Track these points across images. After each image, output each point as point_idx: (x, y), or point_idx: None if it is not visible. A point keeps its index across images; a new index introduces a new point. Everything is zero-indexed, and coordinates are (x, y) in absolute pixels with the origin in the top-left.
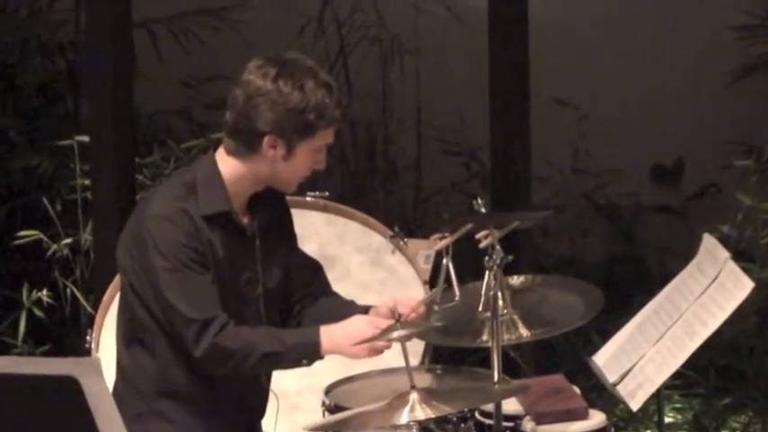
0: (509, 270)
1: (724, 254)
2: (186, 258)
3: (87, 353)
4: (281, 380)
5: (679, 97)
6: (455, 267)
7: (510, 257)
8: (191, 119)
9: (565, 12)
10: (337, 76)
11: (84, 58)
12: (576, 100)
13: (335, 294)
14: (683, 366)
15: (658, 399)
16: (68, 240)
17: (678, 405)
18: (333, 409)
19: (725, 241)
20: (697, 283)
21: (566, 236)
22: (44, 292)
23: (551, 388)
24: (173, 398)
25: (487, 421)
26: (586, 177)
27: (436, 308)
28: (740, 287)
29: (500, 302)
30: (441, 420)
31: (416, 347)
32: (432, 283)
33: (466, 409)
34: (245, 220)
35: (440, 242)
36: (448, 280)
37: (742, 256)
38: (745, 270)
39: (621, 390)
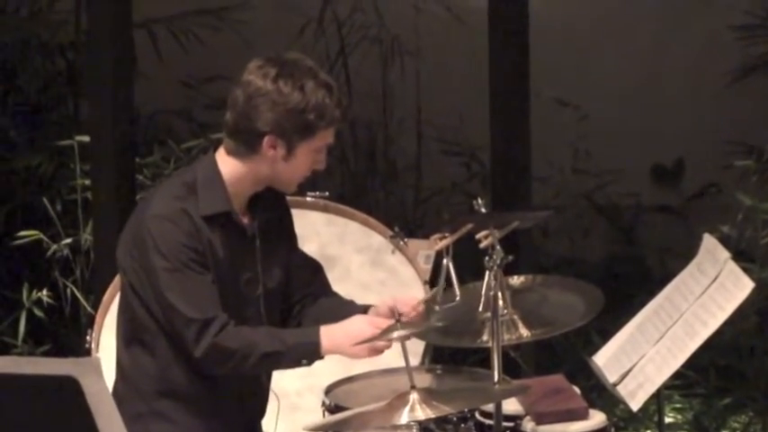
0: (509, 270)
1: (724, 254)
2: (186, 258)
3: (87, 353)
4: (281, 380)
5: (679, 97)
6: (455, 267)
7: (510, 257)
8: (191, 119)
9: (565, 12)
10: (337, 77)
11: (85, 59)
12: (576, 100)
13: (335, 294)
14: (683, 366)
15: (658, 399)
16: (68, 240)
17: (678, 405)
18: (333, 409)
19: (725, 241)
20: (697, 283)
21: (566, 236)
22: (44, 292)
23: (551, 388)
24: (173, 398)
25: (488, 421)
26: (586, 177)
27: (437, 308)
28: (740, 287)
29: (500, 302)
30: (441, 420)
31: (416, 347)
32: (432, 283)
33: (466, 410)
34: (245, 220)
35: (440, 242)
36: (448, 280)
37: (742, 256)
38: (746, 270)
39: (622, 390)
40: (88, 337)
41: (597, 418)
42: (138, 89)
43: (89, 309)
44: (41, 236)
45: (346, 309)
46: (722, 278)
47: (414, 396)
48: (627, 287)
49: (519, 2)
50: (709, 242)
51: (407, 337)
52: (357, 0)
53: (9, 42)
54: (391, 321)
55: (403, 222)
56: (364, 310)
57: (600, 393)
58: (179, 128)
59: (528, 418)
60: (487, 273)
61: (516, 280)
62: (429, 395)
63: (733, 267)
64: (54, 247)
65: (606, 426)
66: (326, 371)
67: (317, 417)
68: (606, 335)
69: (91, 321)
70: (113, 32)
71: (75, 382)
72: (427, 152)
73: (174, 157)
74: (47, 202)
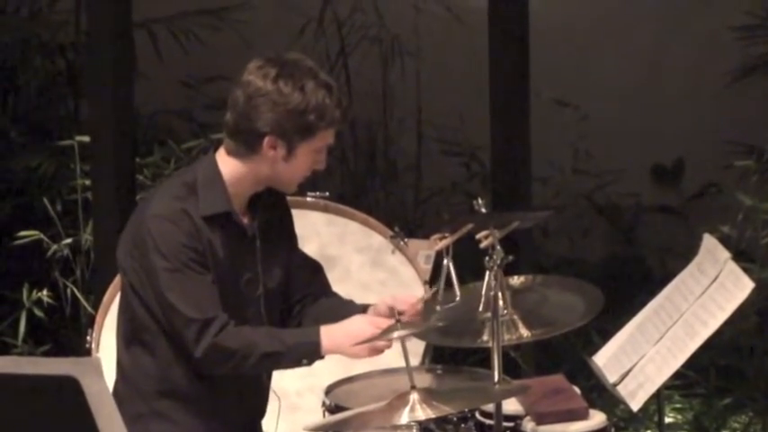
0: (509, 270)
1: (724, 254)
2: (186, 258)
3: (87, 353)
4: (282, 380)
5: (679, 97)
6: (455, 267)
7: (510, 258)
8: (191, 119)
9: (565, 12)
10: (337, 77)
11: (85, 59)
12: (576, 100)
13: (335, 294)
14: (683, 366)
15: (659, 399)
16: (68, 240)
17: (678, 405)
18: (333, 409)
19: (725, 241)
20: (697, 283)
21: (566, 236)
22: (44, 292)
23: (552, 388)
24: (173, 398)
25: (488, 421)
26: (586, 177)
27: (437, 308)
28: (740, 287)
29: (500, 303)
30: (441, 420)
31: (417, 348)
32: (432, 283)
33: (466, 410)
34: (245, 220)
35: (440, 242)
36: (448, 280)
37: (742, 256)
38: (746, 270)
39: (622, 390)
40: (88, 337)
41: (597, 418)
42: (138, 89)
43: (89, 309)
44: (41, 236)
45: (346, 308)
46: (722, 278)
47: (414, 396)
48: (627, 287)
49: (519, 2)
50: (709, 242)
51: (407, 336)
52: (357, 0)
53: (9, 42)
54: (391, 321)
55: (403, 222)
56: (363, 309)
57: (600, 393)
58: (179, 128)
59: (528, 418)
60: (487, 273)
61: (516, 280)
62: (429, 395)
63: (733, 267)
64: (54, 247)
65: (606, 426)
66: (326, 371)
67: (318, 417)
68: (606, 335)
69: (91, 321)
70: (113, 32)
71: (76, 382)
72: (427, 152)
73: (174, 158)
74: (47, 202)
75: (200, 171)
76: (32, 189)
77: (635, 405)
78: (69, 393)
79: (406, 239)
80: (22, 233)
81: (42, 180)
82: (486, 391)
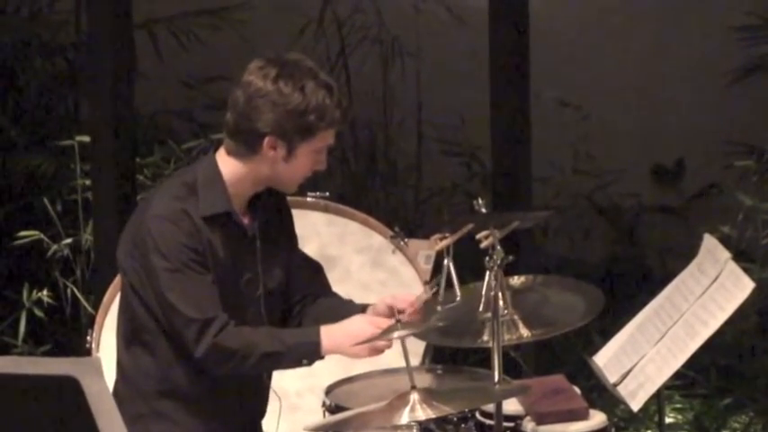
0: (510, 270)
1: (725, 254)
2: (186, 259)
3: (87, 353)
4: (282, 380)
5: (679, 97)
6: (456, 268)
7: (510, 258)
8: (191, 119)
9: (565, 12)
10: (338, 77)
11: (85, 59)
12: (576, 100)
13: (335, 294)
14: (683, 366)
15: (659, 399)
16: (69, 240)
17: (679, 405)
18: (333, 409)
19: (725, 241)
20: (698, 283)
21: (566, 236)
22: (44, 292)
23: (552, 388)
24: (173, 398)
25: (488, 422)
26: (587, 178)
27: (438, 308)
28: (741, 287)
29: (501, 303)
30: (441, 421)
31: (417, 348)
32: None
33: (466, 410)
34: (245, 220)
35: (440, 242)
36: (449, 280)
37: (743, 256)
38: (746, 270)
39: (622, 390)
40: (88, 337)
41: (597, 418)
42: (138, 89)
43: (89, 309)
44: (41, 236)
45: (346, 308)
46: (722, 278)
47: (414, 396)
48: (627, 287)
49: (519, 2)
50: (709, 242)
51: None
52: (357, 0)
53: (9, 43)
54: (391, 321)
55: (403, 222)
56: (363, 309)
57: (600, 393)
58: (179, 128)
59: (528, 418)
60: (488, 273)
61: (517, 280)
62: (429, 395)
63: (733, 267)
64: (54, 247)
65: (606, 426)
66: (327, 371)
67: (318, 417)
68: (606, 335)
69: (91, 321)
70: (113, 32)
71: (76, 382)
72: (427, 152)
73: (174, 158)
74: (47, 202)
75: (201, 171)
76: (32, 189)
77: (635, 405)
78: (69, 393)
79: (406, 239)
80: (23, 233)
81: (42, 180)
82: (487, 391)
